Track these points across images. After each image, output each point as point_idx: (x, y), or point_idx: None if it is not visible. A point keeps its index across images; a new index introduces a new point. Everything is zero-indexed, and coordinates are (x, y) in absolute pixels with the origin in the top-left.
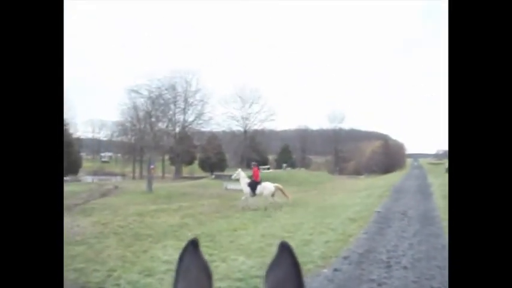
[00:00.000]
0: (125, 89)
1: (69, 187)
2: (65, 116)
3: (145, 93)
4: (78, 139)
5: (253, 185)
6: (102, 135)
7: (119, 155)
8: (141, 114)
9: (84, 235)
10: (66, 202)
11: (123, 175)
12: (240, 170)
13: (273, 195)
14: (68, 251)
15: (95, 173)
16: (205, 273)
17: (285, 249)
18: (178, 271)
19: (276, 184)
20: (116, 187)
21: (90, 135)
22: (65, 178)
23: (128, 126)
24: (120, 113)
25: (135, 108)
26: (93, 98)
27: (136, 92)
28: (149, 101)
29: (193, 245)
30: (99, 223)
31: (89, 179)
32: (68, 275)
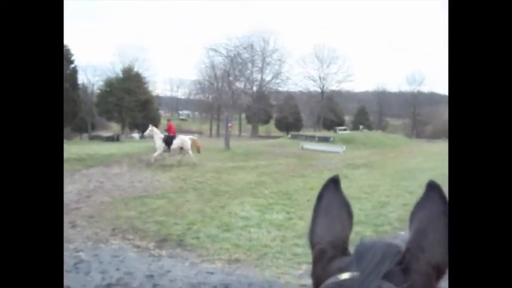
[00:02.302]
0: (203, 48)
1: (149, 143)
2: (145, 74)
3: (224, 52)
4: (157, 97)
5: (168, 140)
6: (181, 93)
7: (197, 113)
8: (219, 73)
9: (164, 189)
10: (146, 157)
11: (200, 133)
12: (151, 125)
13: (189, 150)
14: (150, 204)
15: None
16: (347, 211)
17: (433, 189)
18: (317, 209)
19: (191, 136)
20: None
21: (168, 94)
22: (144, 134)
23: (206, 84)
24: (198, 72)
25: (213, 67)
26: (173, 57)
27: (215, 50)
28: (227, 60)
29: (334, 182)
30: (179, 178)
31: None
32: (150, 227)
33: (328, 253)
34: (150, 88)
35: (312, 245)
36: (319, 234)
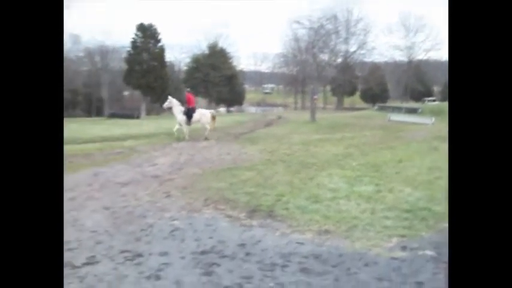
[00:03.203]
0: (286, 21)
1: (235, 117)
2: (229, 49)
3: (307, 24)
4: (242, 71)
5: (188, 113)
6: (264, 67)
7: (281, 86)
8: (302, 45)
9: (253, 161)
10: (233, 131)
11: (284, 106)
12: (170, 97)
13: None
14: (239, 175)
15: (257, 104)
16: None
17: None
18: None
19: (212, 110)
20: (279, 117)
21: (252, 68)
22: (230, 109)
23: (290, 57)
24: (282, 45)
25: (296, 39)
26: (256, 31)
27: (298, 22)
28: (311, 32)
29: None
30: (266, 151)
31: (252, 109)
32: (240, 198)
33: None
34: (235, 63)
35: None
36: None
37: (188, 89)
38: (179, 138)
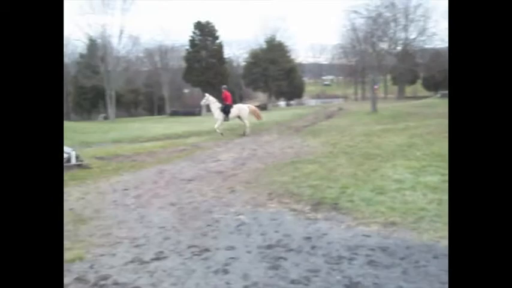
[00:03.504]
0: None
1: (295, 110)
2: (287, 43)
3: (365, 13)
4: (300, 64)
5: (226, 109)
6: (323, 59)
7: (340, 77)
8: (361, 35)
9: (315, 154)
10: (294, 124)
11: (345, 97)
12: (207, 94)
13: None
14: (302, 169)
15: (317, 96)
16: None
17: None
18: None
19: (249, 104)
20: (340, 109)
21: (311, 60)
22: (290, 102)
23: (348, 48)
24: (340, 36)
25: (354, 29)
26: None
27: (356, 12)
28: (369, 21)
29: None
30: (328, 143)
31: (312, 102)
32: (304, 191)
33: None
34: (293, 56)
35: None
36: None
37: (225, 87)
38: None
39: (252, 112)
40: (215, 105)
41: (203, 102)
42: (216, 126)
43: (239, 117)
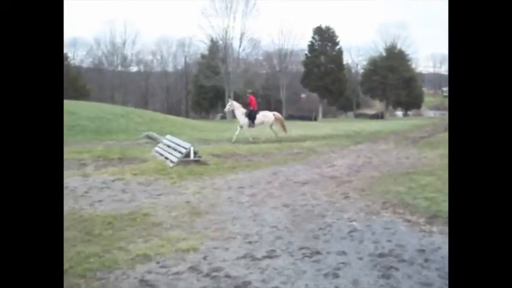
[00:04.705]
0: None
1: (413, 121)
2: (408, 51)
3: None
4: (420, 74)
5: (251, 115)
6: (444, 69)
7: None
8: None
9: (433, 166)
10: (411, 135)
11: None
12: (230, 99)
13: (271, 125)
14: (418, 180)
15: (436, 108)
16: None
17: None
18: None
19: (274, 112)
20: None
21: (431, 70)
22: (407, 112)
23: None
24: None
25: None
26: (435, 32)
27: None
28: None
29: None
30: (447, 156)
31: (430, 113)
32: (420, 203)
33: None
34: (413, 65)
35: None
36: None
37: (250, 91)
38: (238, 141)
39: (277, 120)
40: (240, 110)
41: (227, 108)
42: (236, 133)
43: (263, 123)
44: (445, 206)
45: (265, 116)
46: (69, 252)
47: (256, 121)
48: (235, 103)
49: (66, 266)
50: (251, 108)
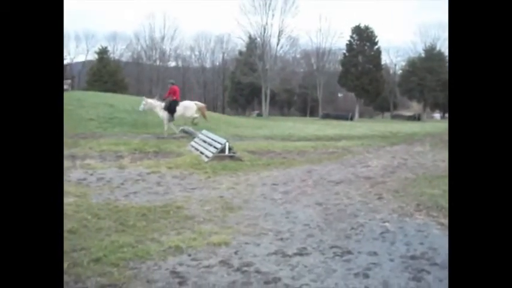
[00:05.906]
0: None
1: None
2: (447, 53)
3: None
4: None
5: (171, 107)
6: None
7: None
8: None
9: None
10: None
11: None
12: (144, 97)
13: (193, 117)
14: None
15: None
16: None
17: None
18: None
19: (196, 102)
20: None
21: None
22: (446, 115)
23: None
24: None
25: None
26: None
27: None
28: None
29: None
30: None
31: None
32: None
33: None
34: None
35: None
36: None
37: (172, 81)
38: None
39: (200, 109)
40: (157, 107)
41: (141, 108)
42: (165, 129)
43: (184, 115)
44: None
45: (186, 107)
46: (104, 241)
47: (177, 113)
48: (148, 100)
49: (100, 254)
50: (174, 98)
